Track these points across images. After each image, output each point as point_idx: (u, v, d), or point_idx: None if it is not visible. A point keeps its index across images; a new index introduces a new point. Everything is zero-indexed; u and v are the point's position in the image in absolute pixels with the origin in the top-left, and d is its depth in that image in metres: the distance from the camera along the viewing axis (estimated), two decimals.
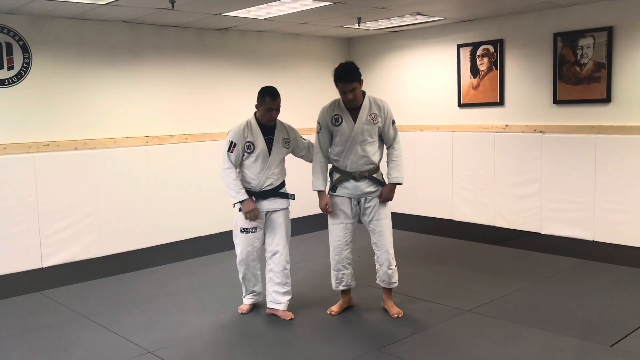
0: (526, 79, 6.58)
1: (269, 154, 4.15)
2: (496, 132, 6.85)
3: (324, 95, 8.17)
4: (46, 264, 5.79)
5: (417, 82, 7.63)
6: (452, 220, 7.37)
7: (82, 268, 5.76)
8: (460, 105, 7.18)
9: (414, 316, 4.17)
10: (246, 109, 7.26)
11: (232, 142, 4.11)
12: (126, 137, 6.30)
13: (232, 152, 4.10)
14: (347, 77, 3.95)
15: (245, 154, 4.13)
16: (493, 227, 6.94)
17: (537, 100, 6.49)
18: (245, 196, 4.08)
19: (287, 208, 4.28)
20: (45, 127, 5.79)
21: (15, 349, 3.85)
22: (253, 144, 4.12)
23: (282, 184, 4.28)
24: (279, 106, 4.16)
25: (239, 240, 4.22)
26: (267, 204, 4.18)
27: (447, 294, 4.63)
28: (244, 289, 4.38)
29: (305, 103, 7.86)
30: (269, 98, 4.10)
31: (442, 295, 4.61)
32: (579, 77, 6.09)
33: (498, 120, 6.85)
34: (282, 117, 7.66)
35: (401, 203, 7.81)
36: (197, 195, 6.86)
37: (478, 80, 6.97)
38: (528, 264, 5.42)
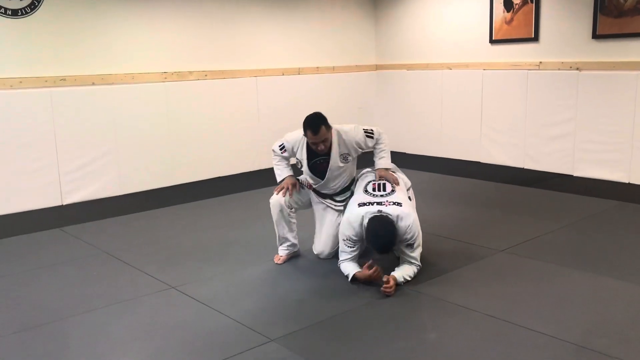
0: (563, 13, 6.20)
1: (322, 177, 3.90)
2: (529, 69, 6.52)
3: (351, 32, 7.86)
4: (66, 202, 5.70)
5: (446, 17, 7.26)
6: (479, 162, 7.13)
7: (102, 206, 5.66)
8: (492, 41, 6.83)
9: (447, 255, 4.00)
10: (268, 45, 7.04)
11: (284, 146, 3.95)
12: (144, 72, 6.09)
13: (281, 152, 3.96)
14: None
15: (298, 166, 3.99)
16: (522, 169, 6.70)
17: (574, 35, 6.13)
18: (286, 174, 3.95)
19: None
20: (61, 61, 5.59)
21: (37, 282, 3.78)
22: (301, 163, 3.92)
23: (347, 188, 4.01)
24: (326, 138, 3.70)
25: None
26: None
27: (479, 234, 4.45)
28: (277, 238, 4.04)
29: (330, 41, 7.57)
30: (310, 132, 3.65)
31: (474, 235, 4.44)
32: (622, 9, 5.71)
33: (532, 57, 6.51)
34: (308, 57, 7.39)
35: (427, 145, 7.60)
36: (217, 135, 6.68)
37: (512, 15, 6.60)
38: (561, 206, 5.21)
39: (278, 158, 3.98)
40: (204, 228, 4.87)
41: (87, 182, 5.81)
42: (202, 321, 3.15)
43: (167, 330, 3.05)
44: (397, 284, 3.48)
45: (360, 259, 3.68)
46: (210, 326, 3.09)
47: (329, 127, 3.73)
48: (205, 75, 6.53)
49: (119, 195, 5.98)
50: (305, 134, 3.72)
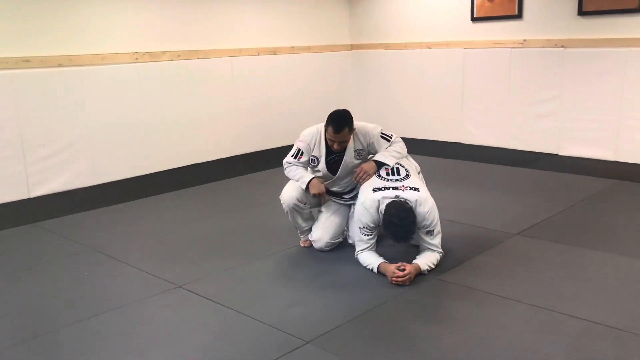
0: None
1: (334, 174, 3.67)
2: (513, 47, 6.41)
3: (324, 11, 7.54)
4: (34, 194, 5.23)
5: None
6: (460, 143, 7.01)
7: (74, 198, 5.24)
8: (473, 19, 6.68)
9: (461, 240, 3.83)
10: (243, 24, 6.67)
11: (299, 150, 3.64)
12: (114, 53, 5.64)
13: (298, 159, 3.64)
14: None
15: (311, 165, 3.69)
16: (505, 149, 6.62)
17: (559, 11, 6.04)
18: (309, 177, 3.61)
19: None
20: (24, 41, 5.09)
21: (24, 285, 3.39)
22: (317, 160, 3.64)
23: (353, 189, 3.77)
24: (345, 139, 3.49)
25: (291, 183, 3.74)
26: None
27: (486, 217, 4.31)
28: (296, 228, 3.84)
29: (304, 20, 7.26)
30: (332, 129, 3.43)
31: (481, 218, 4.29)
32: None
33: (515, 34, 6.40)
34: (283, 37, 7.05)
35: (406, 126, 7.40)
36: (193, 120, 6.31)
37: None
38: (557, 186, 5.13)
39: (294, 167, 3.66)
40: (194, 218, 4.54)
41: (57, 172, 5.36)
42: (223, 323, 2.87)
43: (188, 335, 2.75)
44: (421, 273, 3.29)
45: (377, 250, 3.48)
46: (235, 329, 2.81)
47: (352, 130, 3.52)
48: (178, 55, 6.12)
49: (93, 186, 5.55)
50: (326, 128, 3.49)
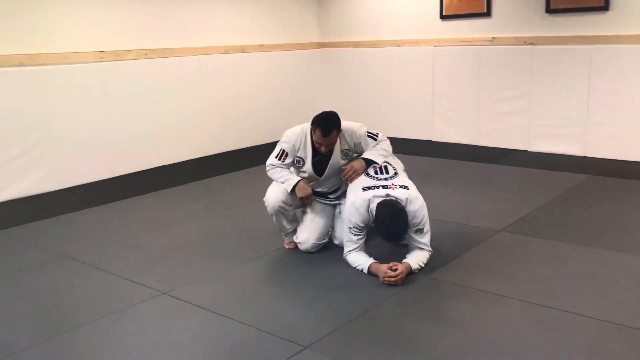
0: None
1: (320, 175, 3.60)
2: (482, 45, 6.45)
3: (293, 9, 7.45)
4: None
5: None
6: (431, 141, 7.02)
7: (38, 203, 5.00)
8: (442, 17, 6.69)
9: (445, 238, 3.79)
10: (211, 21, 6.51)
11: (283, 151, 3.53)
12: (78, 52, 5.42)
13: (282, 161, 3.53)
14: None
15: (296, 165, 3.61)
16: (475, 146, 6.65)
17: (527, 9, 6.11)
18: (296, 179, 3.52)
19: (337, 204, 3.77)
20: None
21: None
22: (303, 160, 3.56)
23: (338, 189, 3.74)
24: (333, 142, 3.44)
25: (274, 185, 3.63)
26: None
27: (467, 214, 4.30)
28: (280, 230, 3.73)
29: (272, 18, 7.15)
30: (319, 132, 3.36)
31: (462, 215, 4.28)
32: None
33: (484, 32, 6.44)
34: (251, 35, 6.94)
35: (376, 124, 7.31)
36: (161, 120, 6.12)
37: None
38: (530, 182, 5.17)
39: (279, 169, 3.56)
40: (170, 221, 4.39)
41: (19, 177, 5.10)
42: (215, 331, 2.76)
43: (179, 345, 2.63)
44: (412, 272, 3.25)
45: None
46: (229, 336, 2.70)
47: (339, 132, 3.45)
48: (145, 54, 5.93)
49: (57, 191, 5.31)
50: (314, 131, 3.41)
